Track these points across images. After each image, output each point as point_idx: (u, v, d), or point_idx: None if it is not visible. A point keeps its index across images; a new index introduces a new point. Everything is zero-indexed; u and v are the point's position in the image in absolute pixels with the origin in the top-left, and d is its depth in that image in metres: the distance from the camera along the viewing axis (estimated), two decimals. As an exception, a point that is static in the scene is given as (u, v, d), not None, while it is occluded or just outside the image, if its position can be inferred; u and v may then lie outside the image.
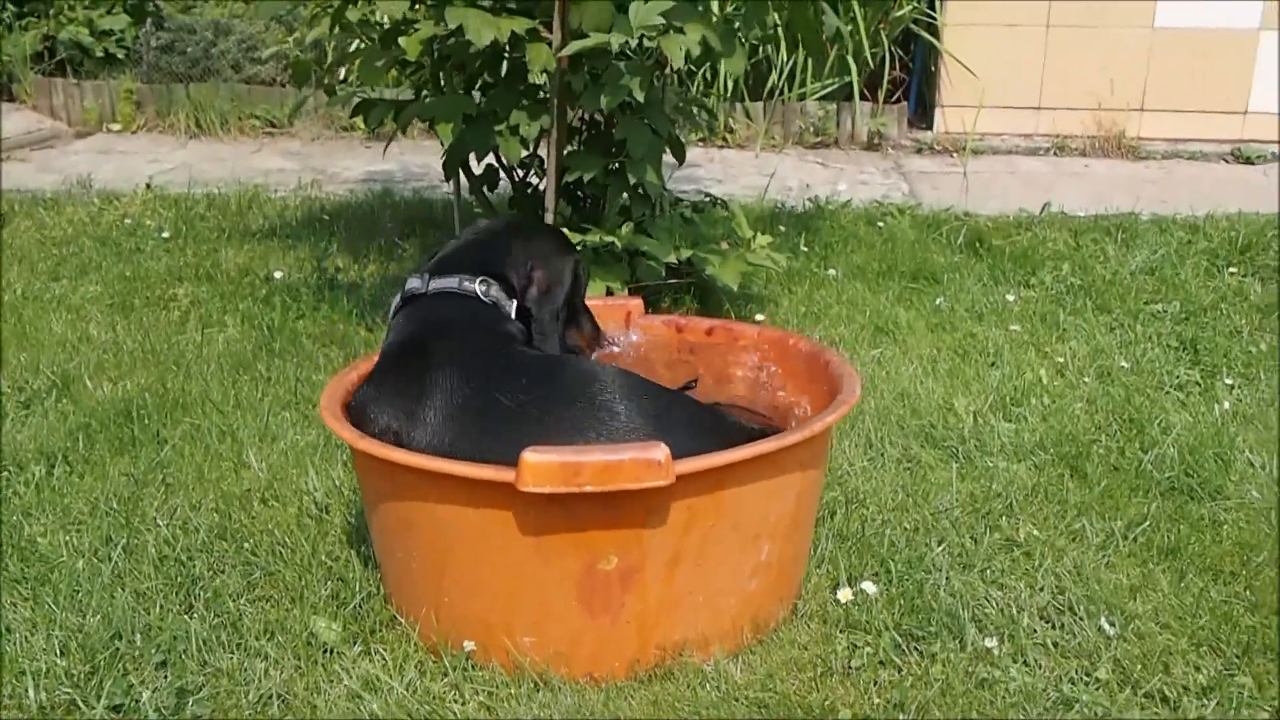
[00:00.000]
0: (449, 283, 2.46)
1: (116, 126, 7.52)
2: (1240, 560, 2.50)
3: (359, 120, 3.94)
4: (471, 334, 2.40)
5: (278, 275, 4.40)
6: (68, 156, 6.87)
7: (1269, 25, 6.82)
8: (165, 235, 4.94)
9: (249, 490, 2.82)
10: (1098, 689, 2.10)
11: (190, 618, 2.31)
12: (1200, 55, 6.88)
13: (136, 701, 2.08)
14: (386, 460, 2.10)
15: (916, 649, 2.21)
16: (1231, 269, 4.53)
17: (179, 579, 2.44)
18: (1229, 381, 3.45)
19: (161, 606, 2.35)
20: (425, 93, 3.96)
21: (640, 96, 3.31)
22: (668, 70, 3.93)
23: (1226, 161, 6.86)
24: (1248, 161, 6.81)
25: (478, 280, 2.45)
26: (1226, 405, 3.27)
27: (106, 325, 3.90)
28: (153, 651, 2.20)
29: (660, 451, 1.95)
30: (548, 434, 2.11)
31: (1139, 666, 2.15)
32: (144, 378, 3.45)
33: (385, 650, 2.21)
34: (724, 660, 2.17)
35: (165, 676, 2.15)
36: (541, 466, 1.94)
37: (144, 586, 2.41)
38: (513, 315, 2.48)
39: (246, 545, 2.57)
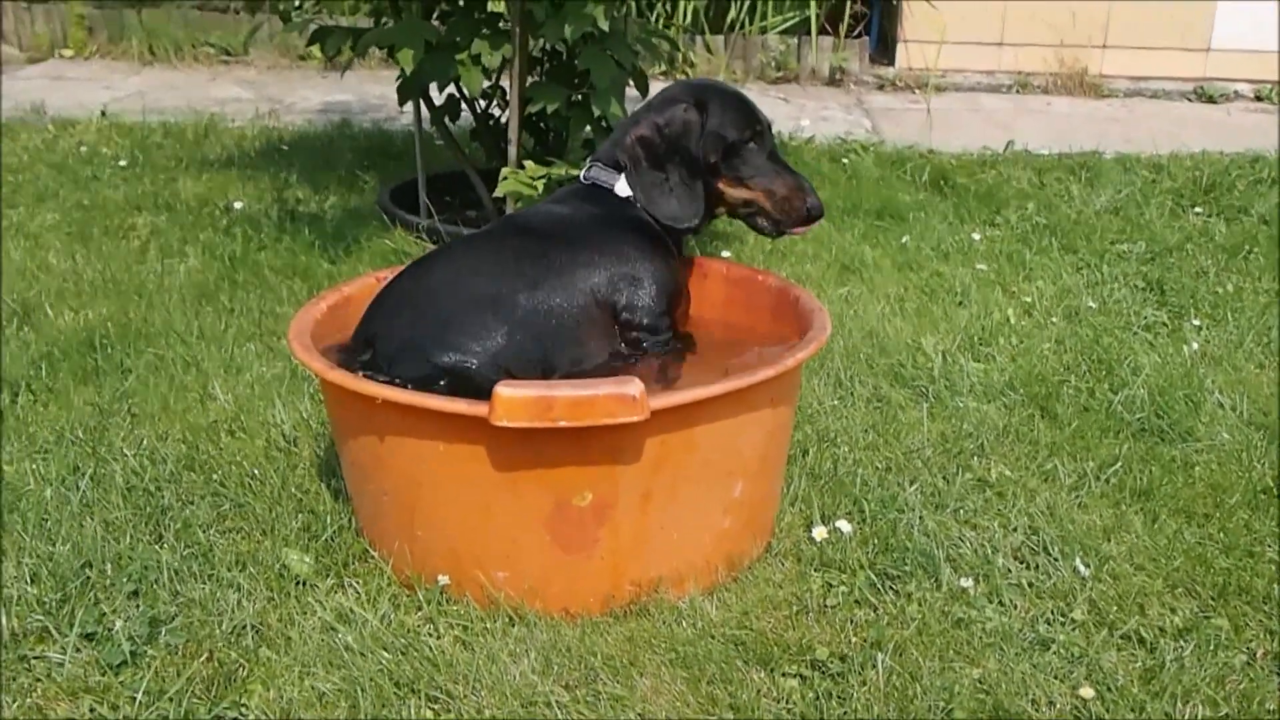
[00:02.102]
0: None
1: (68, 52, 7.38)
2: (1213, 502, 2.51)
3: (315, 49, 3.87)
4: (527, 211, 2.59)
5: (238, 206, 4.34)
6: (19, 82, 6.73)
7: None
8: (122, 164, 4.86)
9: (215, 422, 2.78)
10: (1074, 630, 2.10)
11: (160, 548, 2.28)
12: (1163, -8, 6.87)
13: (109, 630, 2.05)
14: (356, 392, 2.07)
15: (892, 588, 2.21)
16: (1196, 209, 4.54)
17: (148, 509, 2.41)
18: (1196, 322, 3.46)
19: (131, 536, 2.32)
20: (385, 19, 3.89)
21: (604, 26, 3.27)
22: (628, 1, 3.88)
23: (1189, 100, 6.87)
24: (1210, 100, 6.82)
25: (591, 160, 2.56)
26: (1195, 346, 3.28)
27: (66, 254, 3.83)
28: (124, 581, 2.18)
29: (635, 387, 1.92)
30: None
31: (1114, 608, 2.16)
32: (106, 307, 3.40)
33: (359, 583, 2.19)
34: (699, 597, 2.16)
35: (137, 605, 2.13)
36: (514, 401, 1.91)
37: (113, 516, 2.38)
38: (617, 191, 2.52)
39: (215, 477, 2.54)
